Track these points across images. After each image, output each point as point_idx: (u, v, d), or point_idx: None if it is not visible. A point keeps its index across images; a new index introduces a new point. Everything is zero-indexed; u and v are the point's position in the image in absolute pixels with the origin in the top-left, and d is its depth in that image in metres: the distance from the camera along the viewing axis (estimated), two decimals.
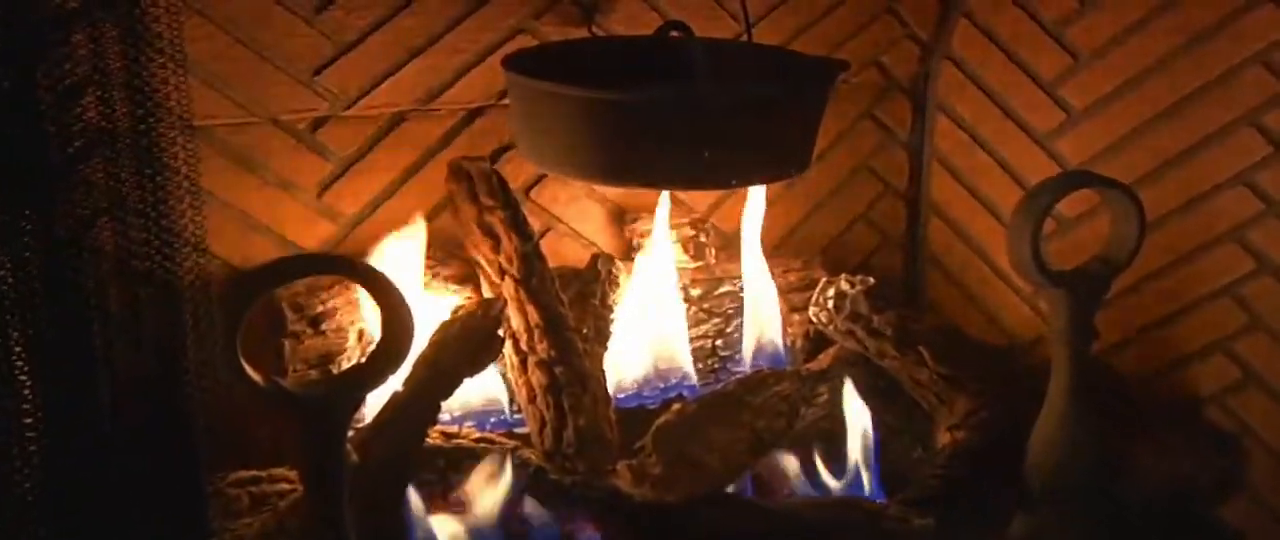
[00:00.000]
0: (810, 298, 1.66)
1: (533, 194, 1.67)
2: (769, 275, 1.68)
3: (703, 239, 1.72)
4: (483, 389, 1.51)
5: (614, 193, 1.72)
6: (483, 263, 1.52)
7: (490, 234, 1.50)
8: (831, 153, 1.84)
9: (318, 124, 1.51)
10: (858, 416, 1.53)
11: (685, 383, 1.62)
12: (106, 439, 0.96)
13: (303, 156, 1.52)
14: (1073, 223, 1.69)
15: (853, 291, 1.61)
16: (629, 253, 1.70)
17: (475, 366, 1.38)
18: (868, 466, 1.52)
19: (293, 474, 1.33)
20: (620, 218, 1.73)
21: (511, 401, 1.52)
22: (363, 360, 1.20)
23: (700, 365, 1.67)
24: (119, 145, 0.94)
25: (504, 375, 1.51)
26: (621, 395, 1.58)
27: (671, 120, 1.25)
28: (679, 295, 1.65)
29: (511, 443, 1.43)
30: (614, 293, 1.59)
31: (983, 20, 1.75)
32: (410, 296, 1.42)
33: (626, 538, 1.36)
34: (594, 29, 1.54)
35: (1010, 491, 1.42)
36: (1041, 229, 1.34)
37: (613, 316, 1.58)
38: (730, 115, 1.26)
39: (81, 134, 0.92)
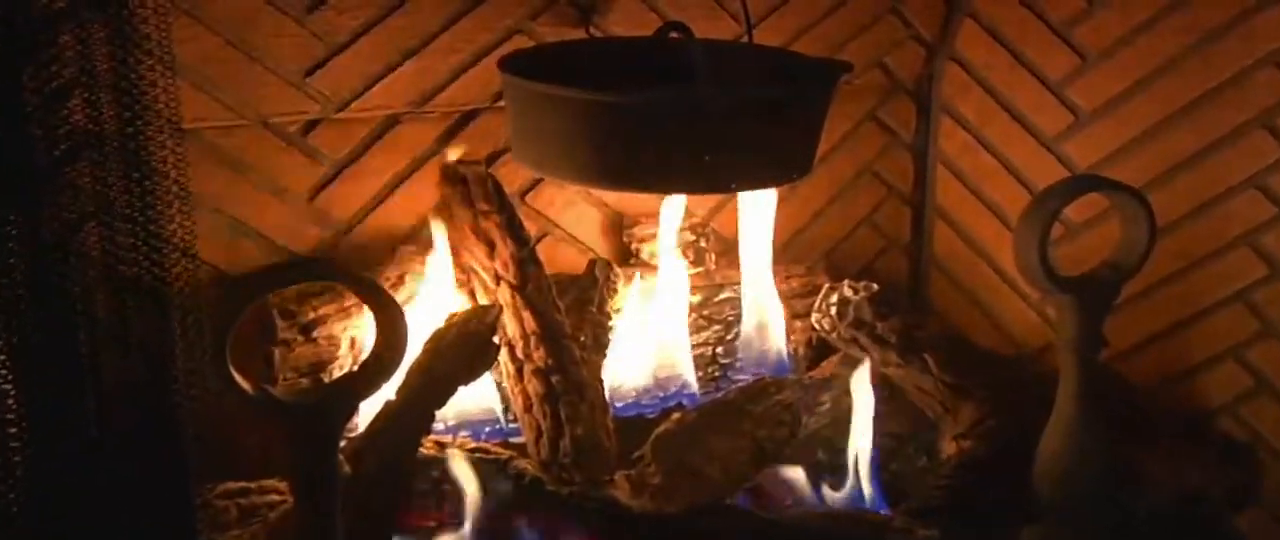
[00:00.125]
0: (813, 304, 1.66)
1: (529, 198, 1.67)
2: (771, 281, 1.68)
3: (703, 244, 1.72)
4: (478, 398, 1.51)
5: (612, 197, 1.72)
6: (478, 268, 1.52)
7: (485, 239, 1.50)
8: (834, 156, 1.84)
9: (309, 127, 1.51)
10: (862, 422, 1.53)
11: (685, 391, 1.62)
12: (93, 449, 0.97)
13: (294, 160, 1.52)
14: (1081, 227, 1.70)
15: (856, 298, 1.61)
16: (627, 258, 1.70)
17: (470, 374, 1.38)
18: (870, 476, 1.52)
19: (283, 485, 1.34)
20: (618, 223, 1.73)
21: (507, 410, 1.52)
22: (355, 368, 1.20)
23: (700, 373, 1.67)
24: (106, 148, 0.94)
25: (499, 384, 1.52)
26: (620, 404, 1.58)
27: (671, 123, 1.25)
28: (679, 301, 1.65)
29: (507, 453, 1.43)
30: (612, 299, 1.60)
31: (988, 20, 1.76)
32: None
33: None
34: (591, 30, 1.54)
35: (1017, 502, 1.43)
36: (1049, 234, 1.34)
37: (611, 323, 1.59)
38: (731, 118, 1.26)
39: (68, 136, 0.92)
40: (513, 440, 1.49)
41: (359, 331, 1.49)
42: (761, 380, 1.50)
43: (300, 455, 1.13)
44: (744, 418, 1.40)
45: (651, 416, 1.57)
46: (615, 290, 1.60)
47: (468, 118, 1.60)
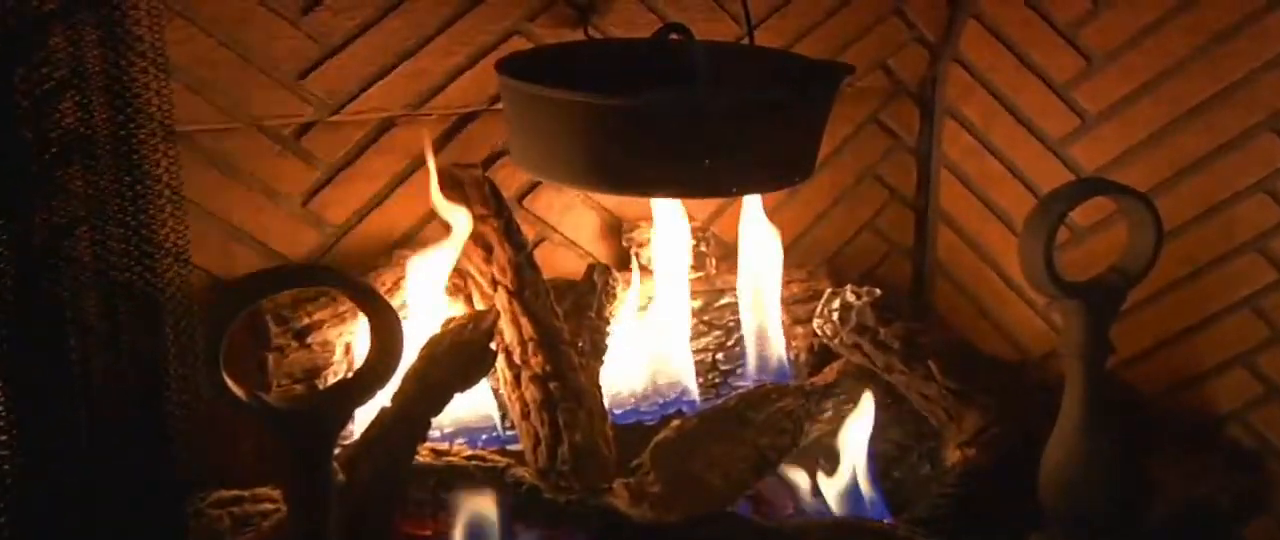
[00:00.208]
0: (814, 310, 1.66)
1: (526, 202, 1.67)
2: (772, 286, 1.68)
3: (703, 248, 1.72)
4: (475, 404, 1.51)
5: (610, 201, 1.72)
6: (474, 273, 1.52)
7: (482, 244, 1.51)
8: (836, 159, 1.84)
9: (303, 129, 1.52)
10: (863, 430, 1.54)
11: (685, 398, 1.62)
12: (83, 458, 0.97)
13: (288, 163, 1.52)
14: (1087, 232, 1.70)
15: (859, 303, 1.61)
16: (626, 263, 1.70)
17: (467, 381, 1.38)
18: (872, 484, 1.52)
19: (276, 493, 1.33)
20: (617, 227, 1.73)
21: (504, 418, 1.52)
22: (350, 375, 1.20)
23: (701, 379, 1.67)
24: (98, 151, 0.94)
25: (496, 390, 1.52)
26: (619, 411, 1.58)
27: (671, 126, 1.25)
28: (679, 307, 1.65)
29: (504, 461, 1.43)
30: (611, 305, 1.60)
31: (992, 21, 1.76)
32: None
33: None
34: (590, 31, 1.54)
35: (1023, 512, 1.43)
36: (1055, 239, 1.34)
37: (609, 329, 1.59)
38: (731, 121, 1.26)
39: (59, 139, 0.92)
40: (510, 447, 1.49)
41: (354, 337, 1.49)
42: (763, 387, 1.50)
43: (294, 463, 1.13)
44: (745, 425, 1.40)
45: (651, 423, 1.57)
46: (614, 295, 1.60)
47: (465, 120, 1.60)
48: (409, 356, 1.27)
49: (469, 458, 1.42)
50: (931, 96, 1.86)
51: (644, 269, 1.68)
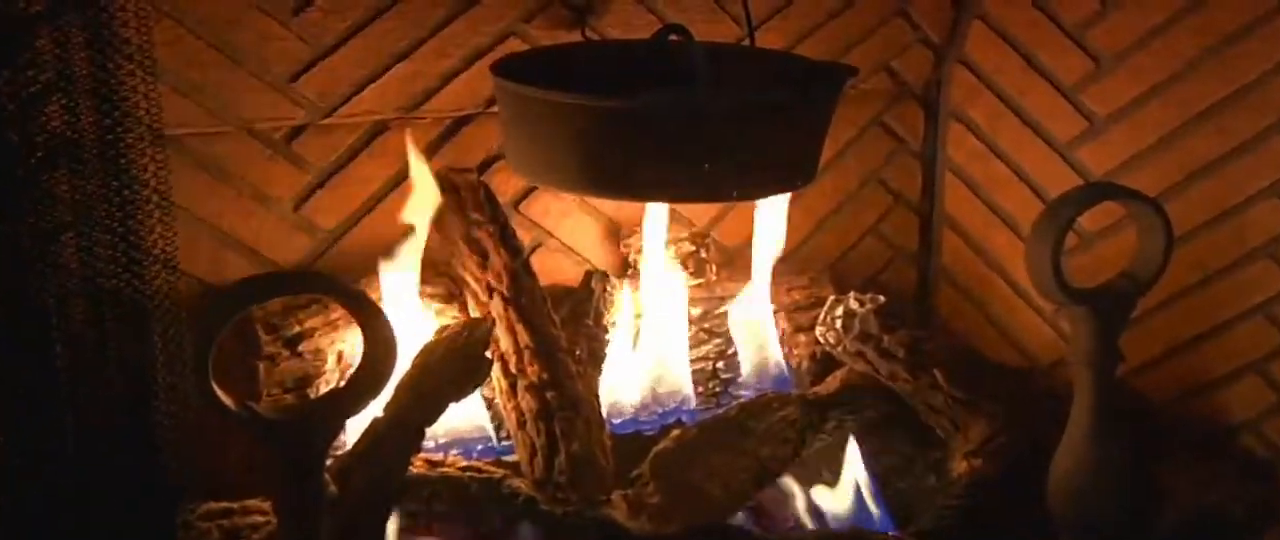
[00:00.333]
0: (817, 317, 1.66)
1: (523, 207, 1.68)
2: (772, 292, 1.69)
3: (703, 255, 1.72)
4: (469, 414, 1.51)
5: (608, 206, 1.72)
6: (469, 280, 1.52)
7: (478, 249, 1.51)
8: (839, 163, 1.84)
9: (294, 133, 1.52)
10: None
11: (684, 407, 1.62)
12: (70, 468, 0.97)
13: (278, 167, 1.52)
14: (1096, 237, 1.70)
15: (862, 310, 1.61)
16: (624, 269, 1.71)
17: (461, 391, 1.38)
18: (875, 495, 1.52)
19: (267, 505, 1.33)
20: (615, 232, 1.74)
21: (500, 428, 1.52)
22: (342, 384, 1.20)
23: (700, 388, 1.67)
24: (85, 155, 0.94)
25: (492, 400, 1.52)
26: (617, 421, 1.58)
27: (670, 129, 1.25)
28: (678, 314, 1.65)
29: (500, 472, 1.43)
30: (609, 312, 1.60)
31: (998, 23, 1.76)
32: (401, 314, 1.44)
33: None
34: (587, 32, 1.55)
35: (1031, 523, 1.43)
36: (1063, 244, 1.34)
37: (607, 337, 1.59)
38: (731, 123, 1.26)
39: (45, 143, 0.92)
40: (506, 458, 1.49)
41: (346, 345, 1.49)
42: (764, 396, 1.50)
43: (285, 474, 1.13)
44: (746, 435, 1.40)
45: (650, 433, 1.57)
46: (612, 302, 1.61)
47: (459, 124, 1.60)
48: (403, 366, 1.27)
49: (464, 469, 1.43)
50: (936, 99, 1.86)
51: (642, 275, 1.68)
